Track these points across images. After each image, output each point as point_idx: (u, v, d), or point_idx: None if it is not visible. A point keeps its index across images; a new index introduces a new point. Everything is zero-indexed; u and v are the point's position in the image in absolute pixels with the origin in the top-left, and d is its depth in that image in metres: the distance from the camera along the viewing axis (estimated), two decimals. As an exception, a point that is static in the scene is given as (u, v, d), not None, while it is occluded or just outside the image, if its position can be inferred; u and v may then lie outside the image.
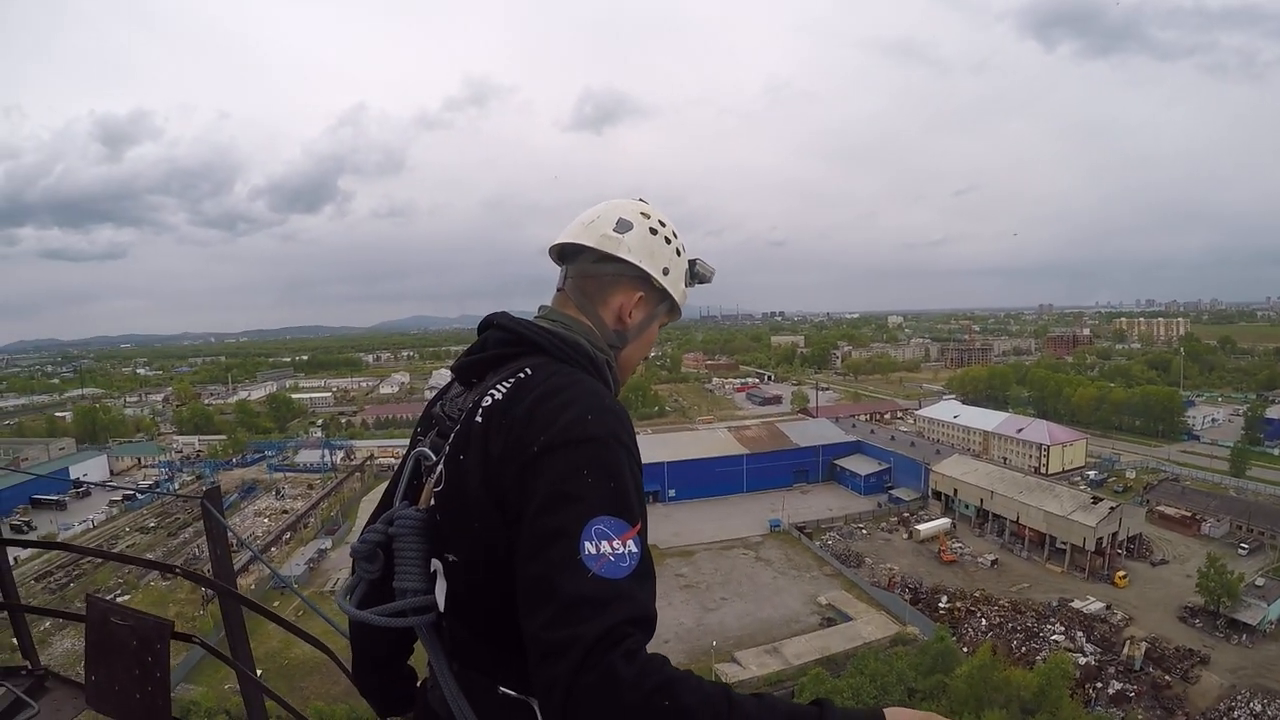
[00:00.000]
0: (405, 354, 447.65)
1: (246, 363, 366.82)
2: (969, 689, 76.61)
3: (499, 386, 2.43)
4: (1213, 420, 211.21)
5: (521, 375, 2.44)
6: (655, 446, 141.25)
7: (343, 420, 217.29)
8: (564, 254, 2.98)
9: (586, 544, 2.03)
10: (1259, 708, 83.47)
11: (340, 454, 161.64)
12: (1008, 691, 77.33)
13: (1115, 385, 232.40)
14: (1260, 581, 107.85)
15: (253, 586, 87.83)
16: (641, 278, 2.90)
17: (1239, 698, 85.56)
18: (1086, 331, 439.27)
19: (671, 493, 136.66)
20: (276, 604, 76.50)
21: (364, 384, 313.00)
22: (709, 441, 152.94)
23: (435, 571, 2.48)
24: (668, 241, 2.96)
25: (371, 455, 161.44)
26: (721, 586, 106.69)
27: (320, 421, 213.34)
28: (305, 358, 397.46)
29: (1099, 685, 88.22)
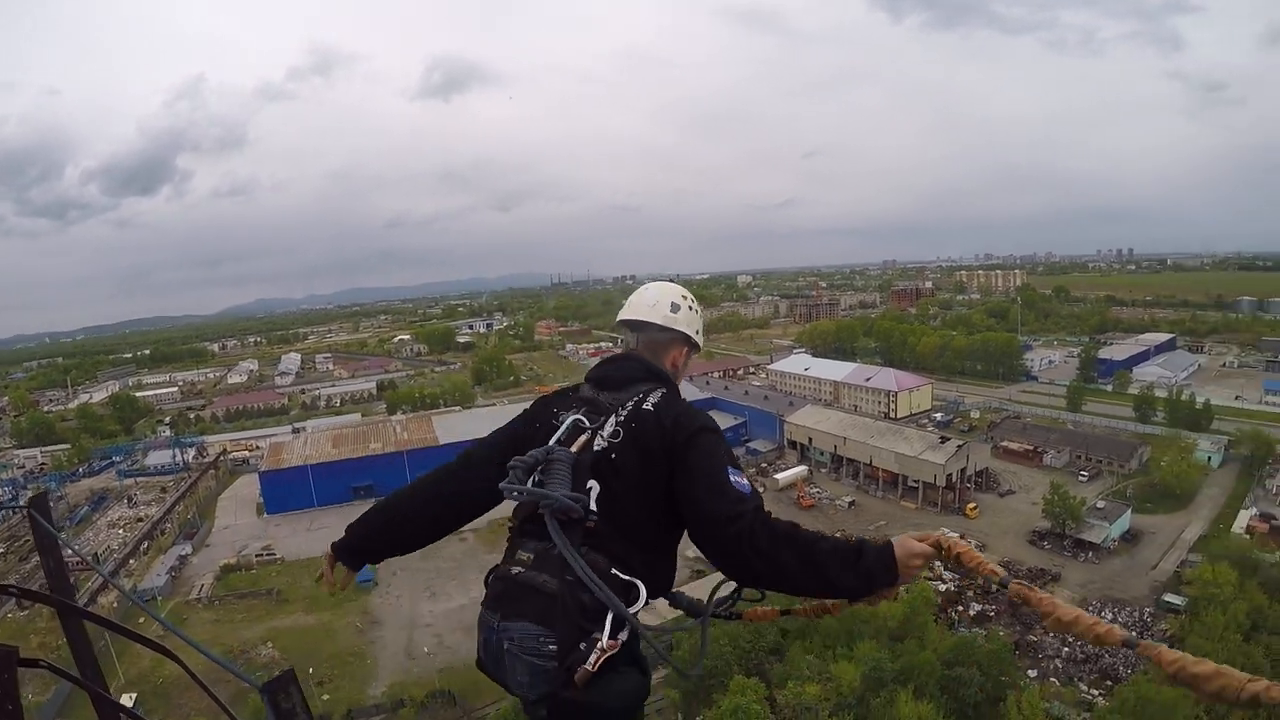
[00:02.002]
0: (252, 340, 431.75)
1: (85, 363, 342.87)
2: (840, 624, 78.66)
3: (652, 395, 4.06)
4: (1049, 362, 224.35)
5: (663, 392, 4.11)
6: (513, 414, 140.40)
7: (191, 415, 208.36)
8: (632, 323, 4.62)
9: (730, 474, 3.71)
10: (1110, 616, 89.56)
11: (192, 452, 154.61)
12: (876, 623, 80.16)
13: (957, 333, 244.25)
14: (1101, 504, 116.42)
15: (114, 604, 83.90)
16: (686, 339, 4.62)
17: (1091, 609, 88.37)
18: (929, 284, 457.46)
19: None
20: (142, 620, 72.92)
21: (211, 375, 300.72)
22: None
23: (590, 489, 3.66)
24: (698, 314, 4.71)
25: (225, 450, 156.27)
26: None
27: (168, 419, 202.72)
28: (148, 351, 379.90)
29: (960, 608, 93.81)
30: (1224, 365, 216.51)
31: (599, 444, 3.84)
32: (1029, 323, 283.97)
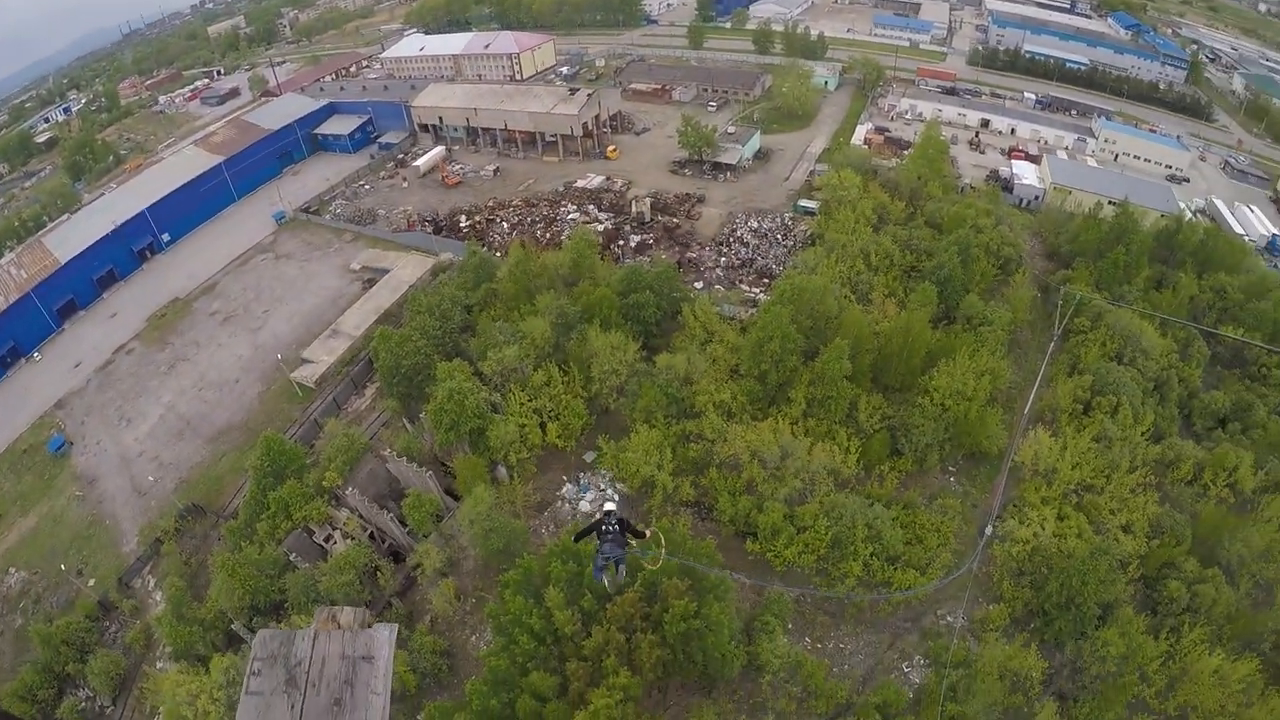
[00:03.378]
0: None
1: None
2: (515, 284, 79.23)
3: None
4: (667, 5, 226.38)
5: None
6: (127, 198, 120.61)
7: None
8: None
9: None
10: (755, 224, 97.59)
11: None
12: (548, 275, 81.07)
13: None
14: (731, 129, 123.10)
15: None
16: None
17: (738, 220, 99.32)
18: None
19: (166, 237, 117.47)
20: None
21: None
22: (180, 166, 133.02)
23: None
24: None
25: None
26: (257, 302, 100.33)
27: None
28: None
29: (622, 243, 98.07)
30: (836, 2, 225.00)
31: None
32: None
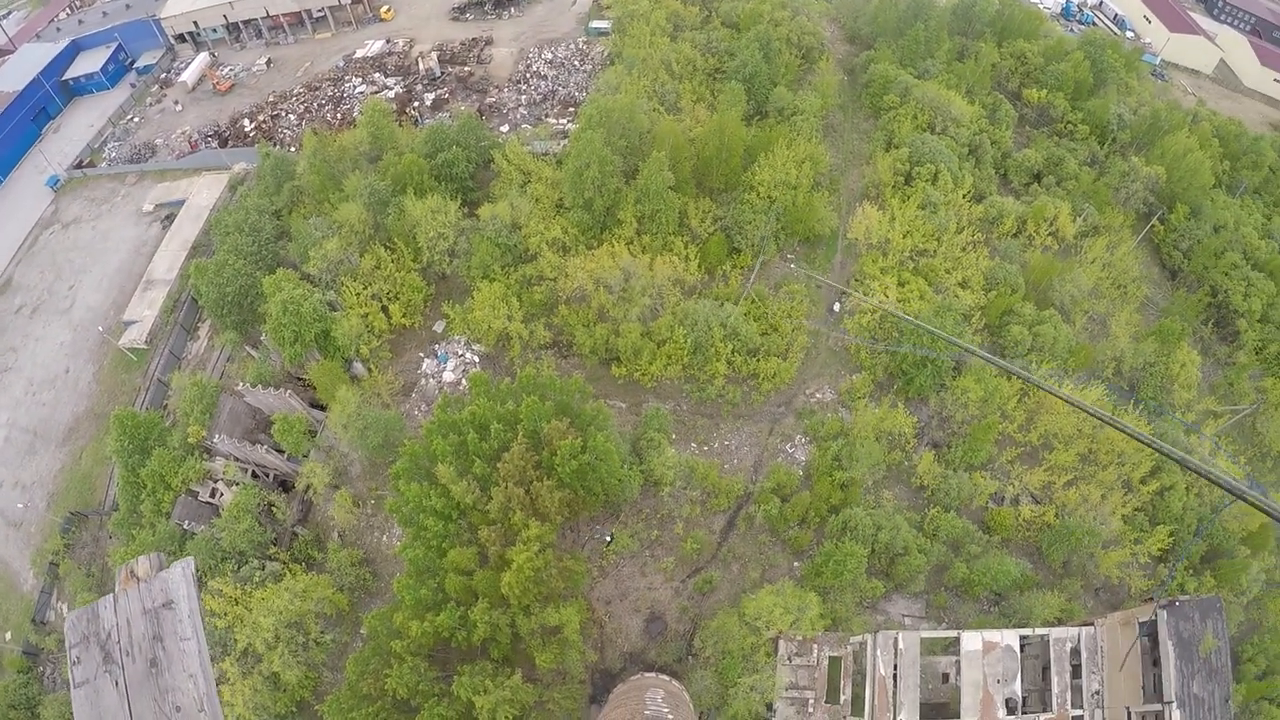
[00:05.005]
0: None
1: None
2: (317, 175, 77.24)
3: None
4: None
5: None
6: None
7: None
8: None
9: None
10: (550, 55, 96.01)
11: None
12: (349, 156, 79.09)
13: None
14: None
15: None
16: None
17: (531, 54, 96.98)
18: None
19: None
20: None
21: None
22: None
23: None
24: None
25: None
26: (59, 280, 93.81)
27: None
28: None
29: (416, 104, 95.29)
30: None
31: None
32: None
